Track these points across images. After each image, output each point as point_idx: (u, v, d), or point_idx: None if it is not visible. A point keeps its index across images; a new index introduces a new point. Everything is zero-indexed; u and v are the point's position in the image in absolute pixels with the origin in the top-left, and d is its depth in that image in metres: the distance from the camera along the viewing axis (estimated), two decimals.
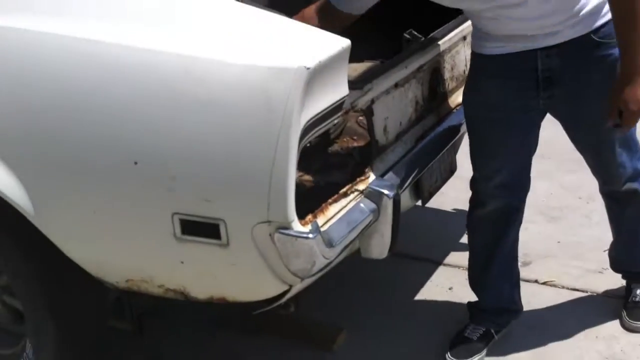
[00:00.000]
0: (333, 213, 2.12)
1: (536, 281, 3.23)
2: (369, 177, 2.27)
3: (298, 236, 1.95)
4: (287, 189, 1.90)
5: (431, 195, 2.83)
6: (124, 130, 1.98)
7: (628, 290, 2.99)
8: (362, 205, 2.19)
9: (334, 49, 1.95)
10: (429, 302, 3.17)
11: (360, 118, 2.33)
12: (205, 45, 1.93)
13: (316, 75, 1.88)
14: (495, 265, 2.83)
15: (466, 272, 2.96)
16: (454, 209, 3.69)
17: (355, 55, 2.06)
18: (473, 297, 2.94)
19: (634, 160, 2.71)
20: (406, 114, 2.57)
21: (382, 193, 2.21)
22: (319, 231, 1.99)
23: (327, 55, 1.91)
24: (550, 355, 2.82)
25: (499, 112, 2.59)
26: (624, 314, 2.95)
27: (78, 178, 2.07)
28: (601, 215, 2.99)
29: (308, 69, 1.85)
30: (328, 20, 2.50)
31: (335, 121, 2.07)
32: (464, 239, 3.03)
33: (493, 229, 2.79)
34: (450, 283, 3.25)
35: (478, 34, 2.60)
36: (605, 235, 3.02)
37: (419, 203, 2.82)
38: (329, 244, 2.02)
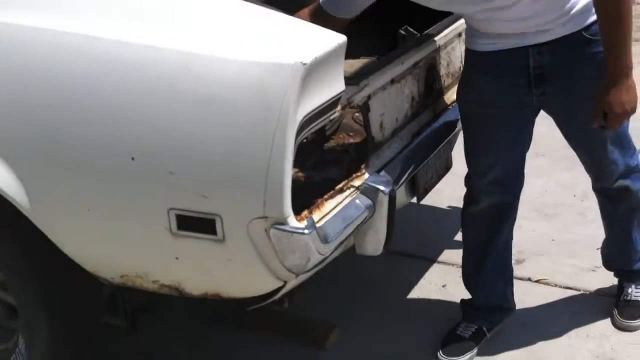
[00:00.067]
0: (329, 209, 2.12)
1: (529, 279, 3.23)
2: (364, 173, 2.27)
3: (294, 232, 1.95)
4: (283, 184, 1.90)
5: (426, 191, 2.83)
6: (121, 126, 1.98)
7: (620, 288, 3.00)
8: (357, 201, 2.19)
9: (330, 45, 1.96)
10: (422, 299, 3.17)
11: (357, 114, 2.33)
12: (202, 42, 1.93)
13: (313, 71, 1.88)
14: (489, 263, 2.84)
15: (460, 270, 2.96)
16: (449, 207, 3.69)
17: (350, 51, 2.07)
18: (466, 295, 2.94)
19: (626, 157, 2.72)
20: (402, 110, 2.57)
21: (378, 189, 2.21)
22: (315, 227, 1.99)
23: (323, 51, 1.92)
24: (542, 353, 2.83)
25: (491, 109, 2.60)
26: (616, 312, 2.95)
27: (74, 173, 2.07)
28: (595, 213, 3.00)
29: (304, 64, 1.85)
30: (321, 25, 2.49)
31: (332, 117, 2.08)
32: (458, 237, 3.04)
33: (487, 226, 2.80)
34: (443, 281, 3.24)
35: (471, 31, 2.61)
36: (599, 233, 3.03)
37: (414, 200, 2.83)
38: (325, 239, 2.02)
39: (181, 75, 1.91)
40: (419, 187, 2.74)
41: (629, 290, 2.97)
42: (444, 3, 2.53)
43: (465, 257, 2.91)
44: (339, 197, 2.17)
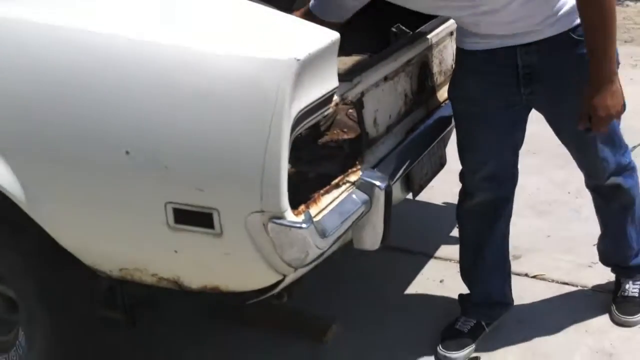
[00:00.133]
0: (325, 204, 2.14)
1: (526, 275, 3.23)
2: (360, 168, 2.29)
3: (291, 226, 1.96)
4: (280, 178, 1.92)
5: (421, 188, 2.84)
6: (116, 120, 1.99)
7: (617, 284, 3.00)
8: (354, 196, 2.21)
9: (324, 41, 1.98)
10: (420, 295, 3.18)
11: (350, 111, 2.34)
12: (198, 37, 1.96)
13: (306, 67, 1.90)
14: (486, 258, 2.85)
15: (457, 265, 2.97)
16: (444, 203, 3.69)
17: (343, 48, 2.08)
18: (464, 290, 2.95)
19: (618, 155, 2.72)
20: (396, 107, 2.59)
21: (374, 184, 2.23)
22: (312, 221, 2.01)
23: (317, 48, 1.94)
24: (540, 349, 2.83)
25: (479, 107, 2.62)
26: (614, 308, 2.95)
27: (71, 167, 2.08)
28: (590, 210, 3.00)
29: (298, 60, 1.88)
30: None
31: (326, 113, 2.10)
32: (455, 232, 3.04)
33: (482, 221, 2.81)
34: (441, 276, 3.25)
35: (460, 30, 2.63)
36: (594, 229, 3.03)
37: (410, 196, 2.85)
38: (322, 234, 2.04)
39: (176, 70, 1.92)
40: (414, 183, 2.76)
41: (627, 286, 2.97)
42: (432, 8, 2.55)
43: (462, 253, 2.92)
44: (335, 192, 2.19)
